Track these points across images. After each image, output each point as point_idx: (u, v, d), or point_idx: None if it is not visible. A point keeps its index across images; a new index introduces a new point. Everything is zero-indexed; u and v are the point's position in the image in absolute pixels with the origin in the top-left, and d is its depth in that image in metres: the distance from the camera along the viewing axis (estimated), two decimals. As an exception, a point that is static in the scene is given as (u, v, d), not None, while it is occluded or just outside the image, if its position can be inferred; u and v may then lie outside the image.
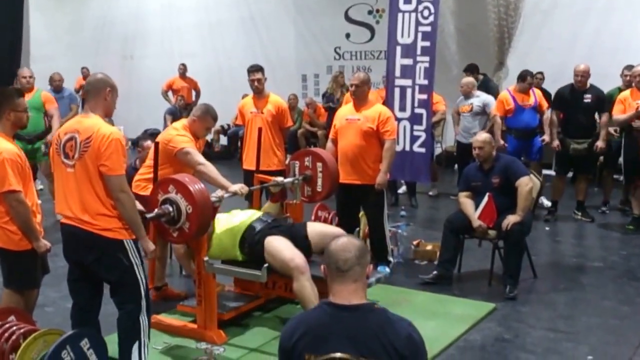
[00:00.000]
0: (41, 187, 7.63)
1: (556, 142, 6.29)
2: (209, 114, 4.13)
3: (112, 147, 2.85)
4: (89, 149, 2.85)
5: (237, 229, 3.81)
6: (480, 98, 7.01)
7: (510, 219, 4.38)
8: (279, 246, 3.62)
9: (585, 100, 6.12)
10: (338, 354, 1.94)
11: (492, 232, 4.56)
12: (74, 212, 2.91)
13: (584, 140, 6.18)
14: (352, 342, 1.97)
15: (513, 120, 6.60)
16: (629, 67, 6.53)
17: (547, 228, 6.21)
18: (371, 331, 1.99)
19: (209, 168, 3.91)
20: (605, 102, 6.20)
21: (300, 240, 3.71)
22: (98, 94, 2.99)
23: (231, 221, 3.86)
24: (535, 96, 6.67)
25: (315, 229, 3.87)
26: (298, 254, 3.57)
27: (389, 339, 1.98)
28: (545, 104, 6.69)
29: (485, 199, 4.47)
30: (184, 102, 10.34)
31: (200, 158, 3.94)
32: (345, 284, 2.04)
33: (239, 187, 3.87)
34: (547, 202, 6.69)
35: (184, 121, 4.20)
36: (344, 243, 2.09)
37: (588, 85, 6.19)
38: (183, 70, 10.66)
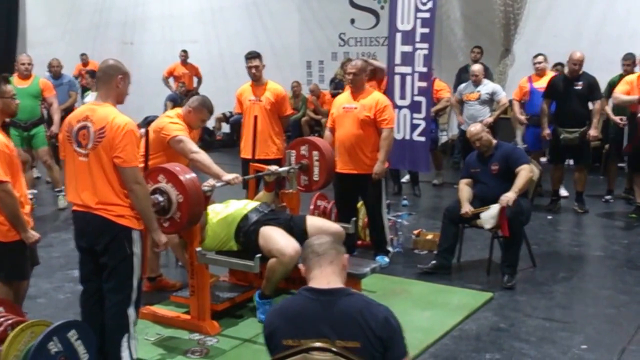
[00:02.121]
0: (38, 175, 7.66)
1: (547, 131, 6.19)
2: (205, 107, 4.04)
3: (127, 139, 2.84)
4: (103, 140, 2.85)
5: (232, 219, 3.79)
6: (488, 86, 6.90)
7: (508, 196, 4.30)
8: (275, 233, 3.63)
9: (576, 88, 5.97)
10: (317, 344, 1.96)
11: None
12: (85, 201, 2.91)
13: (575, 130, 6.02)
14: (330, 325, 2.04)
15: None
16: (627, 56, 6.42)
17: (549, 217, 6.14)
18: (349, 315, 2.06)
19: (203, 157, 3.86)
20: (597, 89, 6.06)
21: (298, 234, 3.69)
22: (110, 81, 2.96)
23: (226, 211, 3.84)
24: None
25: (314, 223, 3.86)
26: (293, 243, 3.56)
27: (366, 321, 2.05)
28: None
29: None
30: (185, 88, 10.30)
31: (194, 146, 3.88)
32: (322, 267, 2.14)
33: (233, 176, 3.82)
34: (564, 192, 6.68)
35: (178, 110, 4.15)
36: (319, 235, 2.31)
37: (580, 72, 6.04)
38: (184, 57, 10.61)
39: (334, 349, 1.93)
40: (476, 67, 7.04)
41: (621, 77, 6.38)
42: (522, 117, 6.79)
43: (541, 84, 6.55)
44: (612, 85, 6.44)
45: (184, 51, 10.65)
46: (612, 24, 8.24)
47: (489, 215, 4.35)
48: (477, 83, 6.91)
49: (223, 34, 11.36)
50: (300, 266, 2.25)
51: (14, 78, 6.52)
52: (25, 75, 6.47)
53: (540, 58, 6.74)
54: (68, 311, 3.81)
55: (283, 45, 10.64)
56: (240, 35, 10.95)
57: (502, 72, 9.19)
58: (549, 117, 6.24)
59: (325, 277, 2.12)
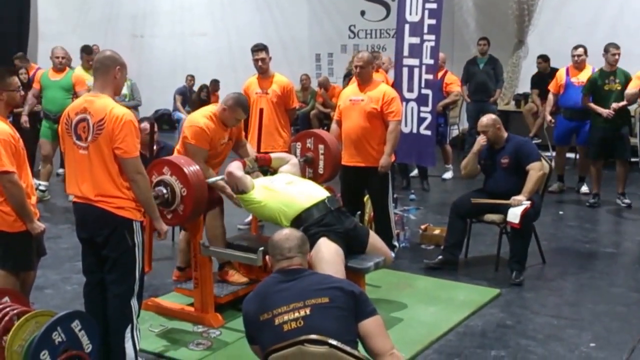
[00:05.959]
0: (59, 171, 7.56)
1: None
2: (239, 105, 3.94)
3: (126, 129, 2.84)
4: (102, 132, 2.84)
5: (292, 204, 3.54)
6: None
7: (516, 199, 4.28)
8: (325, 260, 3.31)
9: None
10: (312, 336, 2.04)
11: (497, 217, 4.45)
12: (85, 193, 2.91)
13: None
14: (298, 294, 2.25)
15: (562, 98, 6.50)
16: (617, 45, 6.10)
17: (560, 212, 6.07)
18: (315, 282, 2.32)
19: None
20: None
21: (357, 247, 3.63)
22: (107, 72, 2.94)
23: (288, 190, 3.61)
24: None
25: (375, 243, 3.73)
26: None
27: (332, 283, 2.32)
28: None
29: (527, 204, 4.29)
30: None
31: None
32: (289, 262, 2.40)
33: (218, 178, 3.73)
34: (585, 189, 6.57)
35: (212, 107, 4.07)
36: (287, 234, 2.43)
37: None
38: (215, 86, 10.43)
39: (330, 342, 1.93)
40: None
41: (601, 71, 6.06)
42: (549, 118, 6.62)
43: (581, 77, 6.32)
44: (593, 82, 6.08)
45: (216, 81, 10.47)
46: (630, 15, 8.08)
47: (514, 211, 4.26)
48: None
49: (232, 26, 11.30)
50: (267, 258, 2.45)
51: (49, 71, 6.63)
52: (59, 69, 6.60)
53: (580, 50, 6.41)
54: (75, 302, 3.80)
55: (292, 38, 10.59)
56: (249, 27, 10.88)
57: (515, 64, 9.11)
58: None
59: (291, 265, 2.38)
